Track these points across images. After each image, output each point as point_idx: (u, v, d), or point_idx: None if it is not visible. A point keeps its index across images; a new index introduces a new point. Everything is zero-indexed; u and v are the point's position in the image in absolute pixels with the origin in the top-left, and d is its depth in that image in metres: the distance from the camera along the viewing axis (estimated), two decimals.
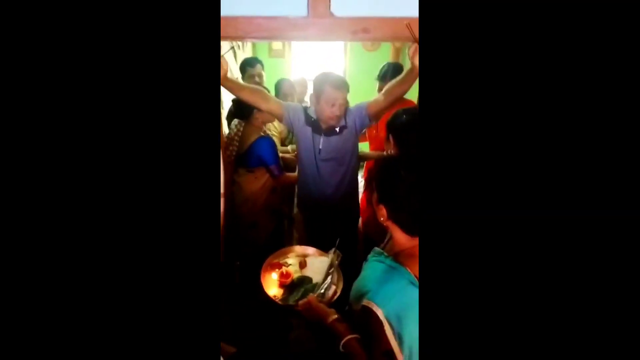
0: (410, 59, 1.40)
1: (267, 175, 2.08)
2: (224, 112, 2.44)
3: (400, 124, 1.35)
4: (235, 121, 2.10)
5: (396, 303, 0.82)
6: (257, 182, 2.08)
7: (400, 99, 1.74)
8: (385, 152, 1.48)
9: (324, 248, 1.54)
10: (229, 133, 2.11)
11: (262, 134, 2.05)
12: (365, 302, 0.87)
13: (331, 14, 1.25)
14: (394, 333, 0.81)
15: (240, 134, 2.05)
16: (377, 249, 1.01)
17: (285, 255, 1.49)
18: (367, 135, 2.40)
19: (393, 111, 1.56)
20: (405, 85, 1.61)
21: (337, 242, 1.33)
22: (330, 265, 1.25)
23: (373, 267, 0.97)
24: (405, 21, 1.23)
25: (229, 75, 1.60)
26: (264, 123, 2.08)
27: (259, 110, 1.88)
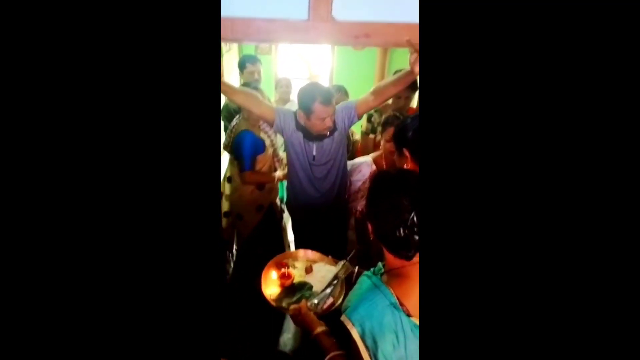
0: (410, 66, 1.38)
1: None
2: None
3: (414, 135, 1.22)
4: (239, 115, 2.10)
5: (373, 324, 0.80)
6: None
7: (389, 99, 1.72)
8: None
9: (313, 249, 1.51)
10: (231, 124, 2.13)
11: (252, 129, 2.01)
12: (342, 317, 0.86)
13: (332, 18, 1.21)
14: (369, 354, 0.80)
15: (235, 126, 2.06)
16: (380, 263, 0.98)
17: (294, 257, 1.45)
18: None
19: (395, 123, 1.50)
20: (399, 86, 1.59)
21: (352, 254, 1.28)
22: (335, 277, 1.22)
23: (360, 282, 0.95)
24: (406, 37, 1.21)
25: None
26: (258, 120, 2.03)
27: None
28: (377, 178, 0.94)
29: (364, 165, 1.89)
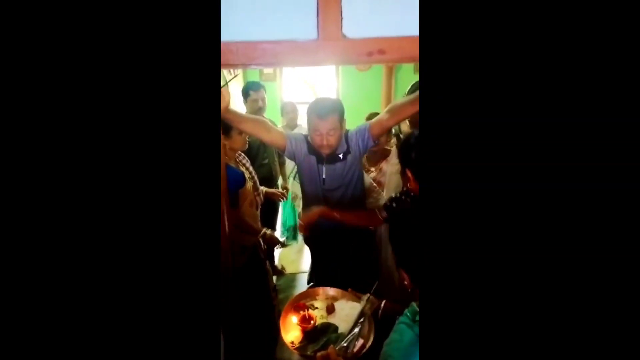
0: None
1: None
2: None
3: (418, 154, 1.11)
4: None
5: None
6: None
7: (405, 119, 1.64)
8: (402, 189, 1.34)
9: (334, 279, 1.40)
10: None
11: (229, 162, 1.80)
12: None
13: (343, 36, 1.14)
14: None
15: None
16: (414, 304, 0.85)
17: (313, 296, 1.33)
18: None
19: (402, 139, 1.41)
20: (417, 105, 1.52)
21: (374, 286, 1.16)
22: (361, 314, 1.09)
23: (400, 333, 0.82)
24: None
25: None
26: (233, 151, 1.84)
27: (228, 137, 1.71)
28: (399, 220, 0.84)
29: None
